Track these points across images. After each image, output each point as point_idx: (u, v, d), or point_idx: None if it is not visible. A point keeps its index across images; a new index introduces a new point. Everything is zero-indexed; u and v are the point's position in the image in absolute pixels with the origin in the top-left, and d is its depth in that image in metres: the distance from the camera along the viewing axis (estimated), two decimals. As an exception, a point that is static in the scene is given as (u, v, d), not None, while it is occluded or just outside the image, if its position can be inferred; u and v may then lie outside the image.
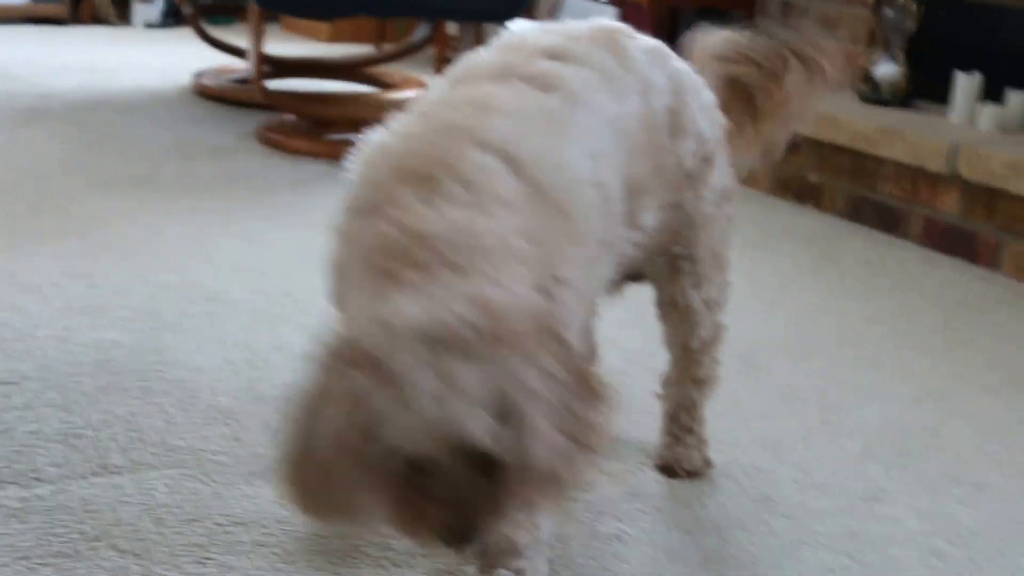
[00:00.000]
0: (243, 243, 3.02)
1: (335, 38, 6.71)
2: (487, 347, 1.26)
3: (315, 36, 6.84)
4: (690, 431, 2.03)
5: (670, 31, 5.06)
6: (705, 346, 1.98)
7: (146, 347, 2.32)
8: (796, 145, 3.81)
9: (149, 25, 6.87)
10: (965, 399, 2.43)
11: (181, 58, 5.71)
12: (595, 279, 1.64)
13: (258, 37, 4.10)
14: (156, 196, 3.39)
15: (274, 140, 4.10)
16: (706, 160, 1.84)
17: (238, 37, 5.34)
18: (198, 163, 3.81)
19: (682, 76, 1.82)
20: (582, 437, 1.32)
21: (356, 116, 4.39)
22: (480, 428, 1.26)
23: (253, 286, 2.72)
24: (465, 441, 1.26)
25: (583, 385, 1.34)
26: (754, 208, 3.87)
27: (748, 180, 4.14)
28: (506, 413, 1.27)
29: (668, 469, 2.01)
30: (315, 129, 4.26)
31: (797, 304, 2.94)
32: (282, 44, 6.35)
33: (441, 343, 1.26)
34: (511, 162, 1.46)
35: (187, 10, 4.85)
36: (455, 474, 1.29)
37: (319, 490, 1.35)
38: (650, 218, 1.75)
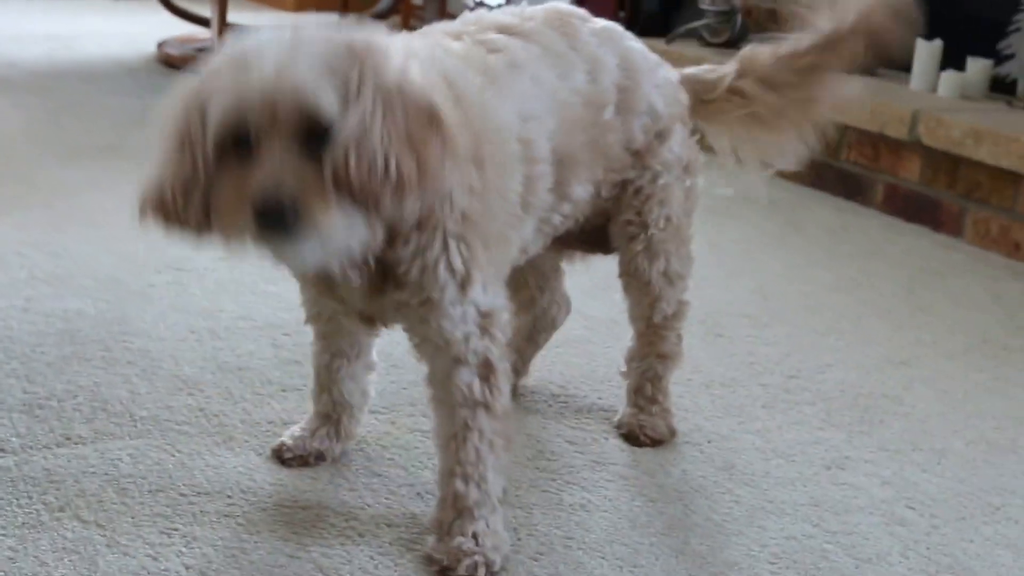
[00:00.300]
0: (207, 213, 3.01)
1: (300, 7, 6.68)
2: (349, 51, 1.40)
3: (280, 6, 6.81)
4: (654, 401, 2.05)
5: (631, 15, 5.06)
6: (668, 321, 2.02)
7: (110, 317, 2.32)
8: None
9: (113, -7, 6.82)
10: (927, 365, 2.45)
11: (146, 27, 5.67)
12: (506, 224, 1.67)
13: (222, 6, 4.08)
14: (121, 165, 3.38)
15: (239, 109, 4.08)
16: (659, 135, 1.91)
17: (203, 6, 5.31)
18: (162, 132, 3.79)
19: (634, 55, 1.89)
20: (414, 155, 1.38)
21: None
22: (319, 95, 1.36)
23: (216, 255, 2.71)
24: (301, 102, 1.35)
25: (431, 119, 1.41)
26: (717, 176, 3.87)
27: (709, 147, 4.15)
28: (349, 98, 1.37)
29: (632, 437, 2.03)
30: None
31: (760, 271, 2.96)
32: (247, 13, 6.31)
33: (307, 42, 1.40)
34: (453, 89, 1.53)
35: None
36: (282, 145, 1.36)
37: (167, 202, 1.47)
38: (581, 191, 1.82)
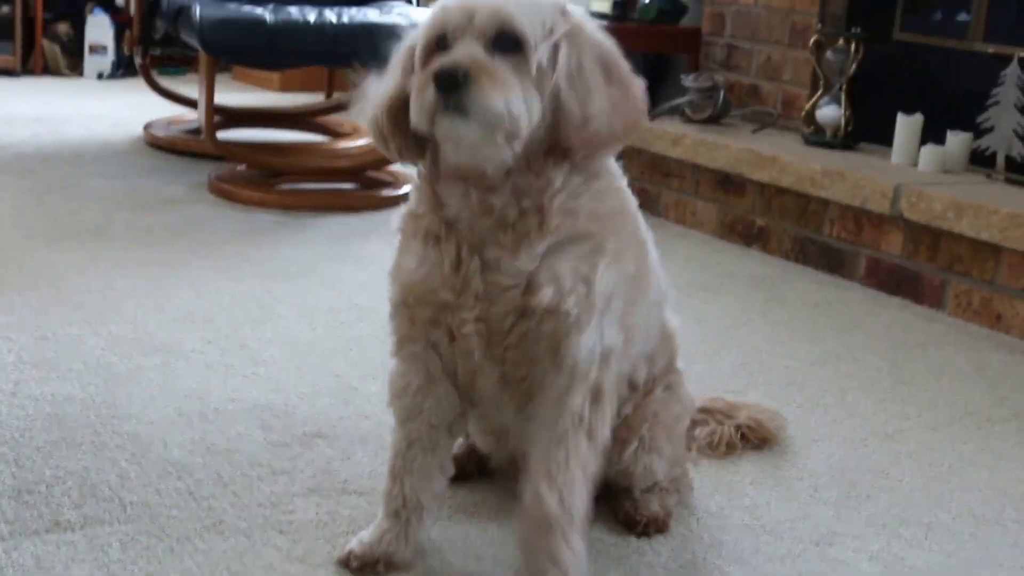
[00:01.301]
0: (194, 293, 3.03)
1: (286, 87, 6.73)
2: (556, 4, 1.60)
3: (266, 86, 6.86)
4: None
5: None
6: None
7: (98, 400, 2.32)
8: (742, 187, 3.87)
9: (101, 76, 6.88)
10: (912, 439, 2.46)
11: (133, 108, 5.72)
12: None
13: (209, 88, 4.12)
14: (108, 247, 3.40)
15: (225, 190, 4.11)
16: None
17: (190, 87, 5.36)
18: (150, 214, 3.82)
19: None
20: (621, 104, 1.60)
21: (306, 166, 4.43)
22: (515, 10, 1.55)
23: (205, 336, 2.72)
24: (497, 10, 1.54)
25: (632, 88, 1.63)
26: (701, 250, 3.91)
27: (694, 223, 4.19)
28: (558, 42, 1.57)
29: (629, 522, 2.00)
30: (266, 179, 4.27)
31: (745, 346, 2.97)
32: (233, 94, 6.37)
33: None
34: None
35: (138, 61, 4.85)
36: (472, 41, 1.54)
37: (378, 119, 1.65)
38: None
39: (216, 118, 4.77)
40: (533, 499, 1.66)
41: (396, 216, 1.73)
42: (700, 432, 2.31)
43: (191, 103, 5.08)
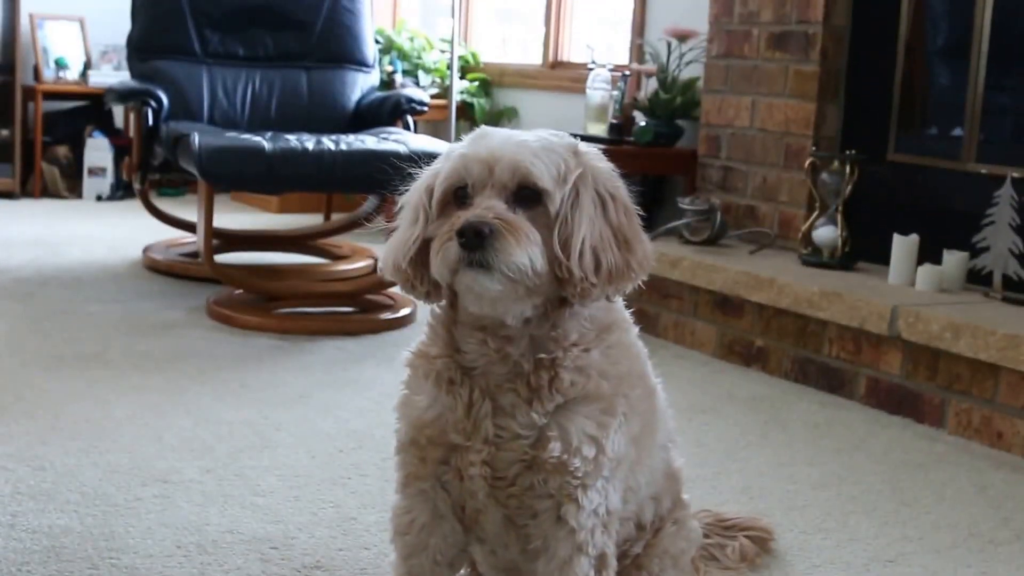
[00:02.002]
0: (192, 421, 3.02)
1: (284, 209, 6.78)
2: (570, 147, 1.66)
3: (265, 207, 6.92)
4: None
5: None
6: None
7: (96, 532, 2.30)
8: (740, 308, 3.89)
9: (100, 198, 6.93)
10: (915, 563, 2.43)
11: (132, 231, 5.76)
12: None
13: (208, 215, 4.15)
14: (105, 374, 3.39)
15: (223, 315, 4.12)
16: None
17: (189, 208, 5.40)
18: (147, 339, 3.82)
19: None
20: (616, 254, 1.62)
21: (304, 290, 4.45)
22: (534, 163, 1.60)
23: (203, 466, 2.71)
24: (517, 164, 1.59)
25: (632, 235, 1.65)
26: (701, 372, 3.91)
27: (694, 343, 4.19)
28: (563, 180, 1.61)
29: None
30: (264, 303, 4.28)
31: (746, 470, 2.96)
32: (232, 215, 6.41)
33: (532, 134, 1.66)
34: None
35: (137, 187, 4.90)
36: (494, 195, 1.59)
37: (398, 262, 1.67)
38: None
39: (215, 241, 4.80)
40: None
41: (406, 353, 1.76)
42: (721, 551, 2.31)
43: (190, 227, 5.11)
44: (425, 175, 1.70)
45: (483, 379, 1.66)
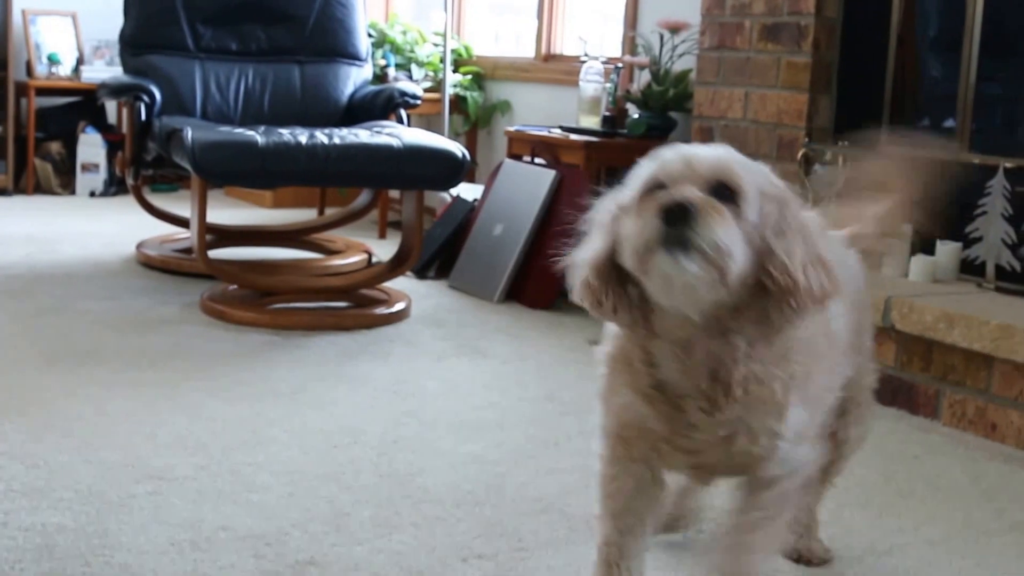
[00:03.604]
0: (187, 418, 3.02)
1: (279, 204, 6.78)
2: (768, 174, 1.69)
3: (259, 202, 6.91)
4: (809, 528, 2.37)
5: (610, 190, 5.16)
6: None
7: (90, 530, 2.30)
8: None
9: (93, 194, 6.92)
10: (910, 555, 2.44)
11: (125, 227, 5.75)
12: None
13: (201, 210, 4.14)
14: (99, 370, 3.39)
15: (217, 310, 4.12)
16: None
17: (183, 203, 5.39)
18: (141, 336, 3.82)
19: None
20: (819, 269, 1.65)
21: (298, 285, 4.45)
22: (735, 167, 1.62)
23: (197, 462, 2.71)
24: (717, 163, 1.62)
25: (829, 260, 1.68)
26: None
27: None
28: (768, 201, 1.63)
29: (801, 558, 2.35)
30: (258, 299, 4.28)
31: (741, 462, 2.96)
32: (226, 210, 6.42)
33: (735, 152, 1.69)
34: None
35: (131, 182, 4.89)
36: (692, 186, 1.60)
37: (588, 280, 1.71)
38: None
39: (209, 236, 4.80)
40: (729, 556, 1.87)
41: (604, 349, 1.83)
42: None
43: (183, 222, 5.11)
44: (611, 195, 1.73)
45: (673, 392, 1.74)
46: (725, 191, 1.60)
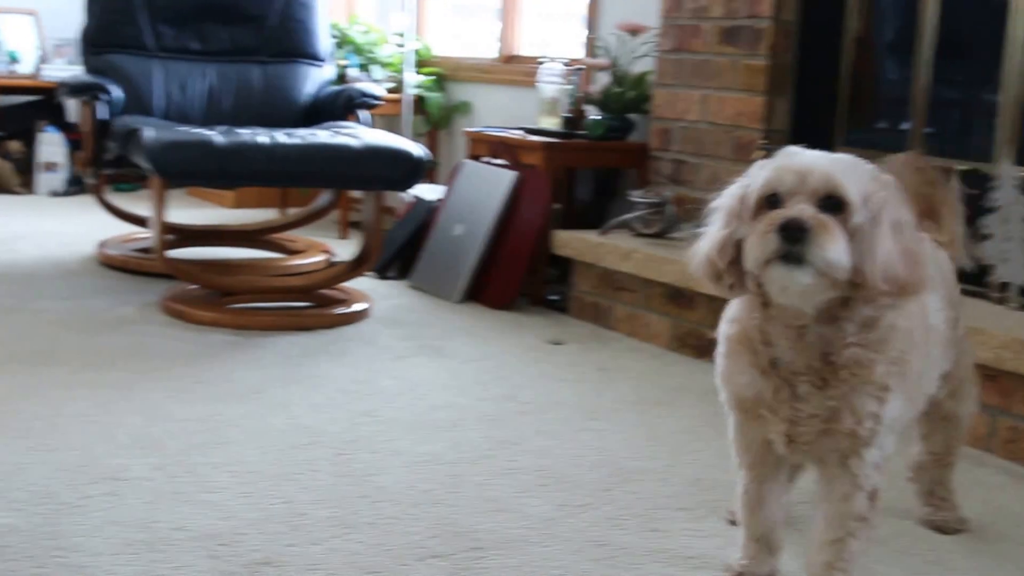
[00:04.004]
0: (144, 418, 3.02)
1: (240, 204, 6.77)
2: (873, 173, 1.91)
3: (221, 202, 6.90)
4: (945, 499, 2.63)
5: (568, 191, 5.19)
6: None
7: (43, 531, 2.30)
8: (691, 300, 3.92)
9: (54, 193, 6.89)
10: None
11: (86, 226, 5.73)
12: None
13: (160, 208, 4.14)
14: (57, 371, 3.38)
15: (177, 310, 4.12)
16: None
17: (145, 203, 5.37)
18: (100, 336, 3.81)
19: None
20: (905, 263, 1.87)
21: (258, 284, 4.45)
22: (842, 177, 1.84)
23: (154, 463, 2.71)
24: (827, 176, 1.84)
25: (920, 257, 1.90)
26: (653, 364, 3.94)
27: (647, 336, 4.22)
28: (866, 200, 1.85)
29: (938, 528, 2.61)
30: (218, 298, 4.28)
31: (697, 462, 2.98)
32: (188, 210, 6.40)
33: (840, 155, 1.93)
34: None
35: (90, 182, 4.88)
36: (805, 201, 1.83)
37: (712, 261, 1.94)
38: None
39: (170, 236, 4.79)
40: (821, 571, 2.08)
41: (726, 329, 2.07)
42: None
43: (144, 222, 5.10)
44: (737, 184, 1.96)
45: (785, 369, 1.98)
46: (834, 201, 1.84)
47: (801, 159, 1.89)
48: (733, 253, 1.92)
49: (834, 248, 1.80)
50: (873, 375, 1.96)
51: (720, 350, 2.09)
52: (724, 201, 1.97)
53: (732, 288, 1.95)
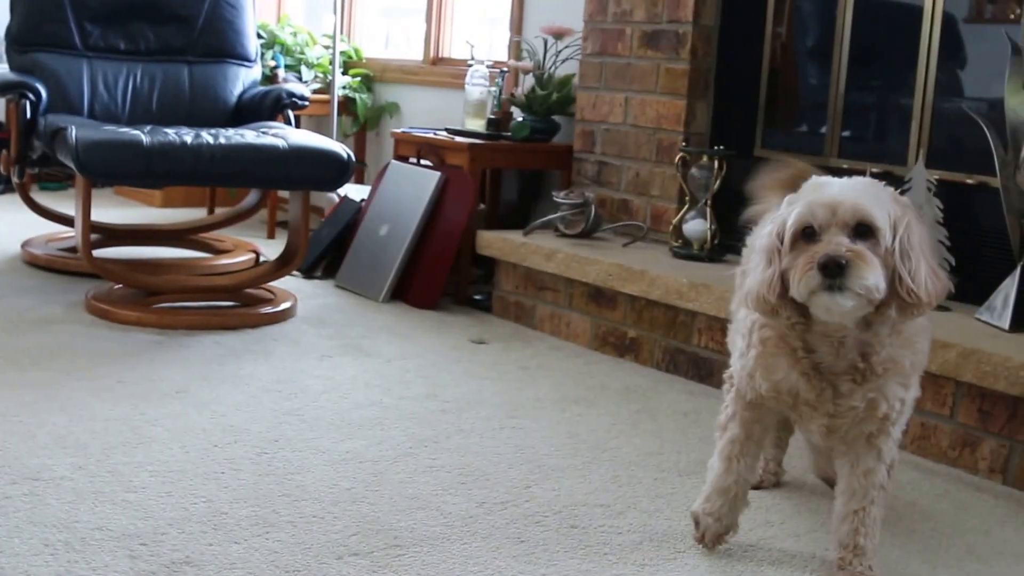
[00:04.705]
0: (67, 417, 3.02)
1: (168, 203, 6.75)
2: (895, 197, 2.17)
3: (148, 201, 6.87)
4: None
5: (494, 192, 5.23)
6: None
7: (-36, 531, 2.31)
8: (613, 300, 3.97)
9: (-21, 192, 6.83)
10: (774, 547, 2.53)
11: (11, 226, 5.69)
12: None
13: (85, 209, 4.13)
14: (-21, 372, 3.38)
15: (102, 310, 4.11)
16: None
17: (71, 202, 5.35)
18: (23, 335, 3.81)
19: None
20: (934, 277, 2.13)
21: (184, 284, 4.45)
22: (871, 206, 2.09)
23: (75, 462, 2.72)
24: (857, 207, 2.08)
25: (939, 268, 2.17)
26: (575, 363, 3.98)
27: (569, 335, 4.27)
28: (892, 224, 2.11)
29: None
30: (144, 298, 4.28)
31: (615, 460, 3.03)
32: (115, 209, 6.37)
33: (863, 181, 2.18)
34: None
35: (16, 178, 4.85)
36: (839, 233, 2.08)
37: (762, 295, 2.18)
38: None
39: (96, 235, 4.78)
40: (847, 537, 2.35)
41: (764, 329, 2.28)
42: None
43: (71, 221, 5.07)
44: (772, 222, 2.21)
45: (828, 371, 2.23)
46: (863, 228, 2.09)
47: (830, 191, 2.13)
48: (780, 287, 2.16)
49: (870, 274, 2.06)
50: (904, 368, 2.24)
51: (755, 351, 2.32)
52: (762, 241, 2.22)
53: (781, 316, 2.20)
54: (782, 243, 2.17)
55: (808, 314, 2.18)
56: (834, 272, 2.05)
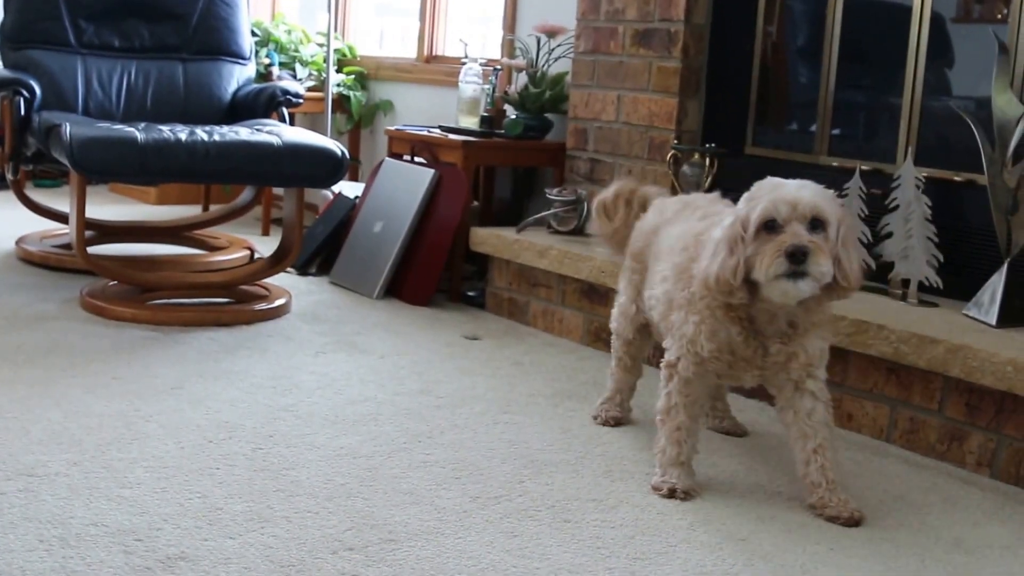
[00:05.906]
0: (62, 414, 3.04)
1: (163, 200, 6.76)
2: (832, 196, 2.58)
3: (143, 198, 6.88)
4: (724, 410, 3.36)
5: (487, 189, 5.25)
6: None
7: (-40, 527, 2.32)
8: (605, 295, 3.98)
9: (-28, 189, 6.83)
10: (764, 541, 2.54)
11: (6, 223, 5.70)
12: None
13: (80, 205, 4.15)
14: (-26, 369, 3.39)
15: (96, 306, 4.13)
16: None
17: (66, 199, 5.36)
18: (19, 332, 3.82)
19: None
20: (860, 266, 2.59)
21: (178, 281, 4.46)
22: (823, 203, 2.50)
23: (70, 459, 2.73)
24: (814, 203, 2.48)
25: (862, 258, 2.68)
26: (568, 359, 4.00)
27: (562, 331, 4.29)
28: (840, 222, 2.54)
29: (726, 432, 3.33)
30: (138, 294, 4.29)
31: (607, 454, 3.05)
32: (110, 206, 6.38)
33: (811, 183, 2.57)
34: None
35: (10, 177, 4.86)
36: (800, 226, 2.47)
37: (721, 279, 2.57)
38: None
39: (91, 232, 4.79)
40: (819, 473, 2.70)
41: (711, 298, 2.63)
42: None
43: (65, 218, 5.08)
44: (734, 214, 2.57)
45: (761, 335, 2.65)
46: (818, 223, 2.49)
47: (789, 190, 2.50)
48: (744, 272, 2.52)
49: (825, 263, 2.47)
50: (819, 329, 2.68)
51: (697, 318, 2.68)
52: (726, 232, 2.56)
53: (736, 295, 2.56)
54: (746, 233, 2.51)
55: (755, 293, 2.55)
56: (799, 259, 2.44)
